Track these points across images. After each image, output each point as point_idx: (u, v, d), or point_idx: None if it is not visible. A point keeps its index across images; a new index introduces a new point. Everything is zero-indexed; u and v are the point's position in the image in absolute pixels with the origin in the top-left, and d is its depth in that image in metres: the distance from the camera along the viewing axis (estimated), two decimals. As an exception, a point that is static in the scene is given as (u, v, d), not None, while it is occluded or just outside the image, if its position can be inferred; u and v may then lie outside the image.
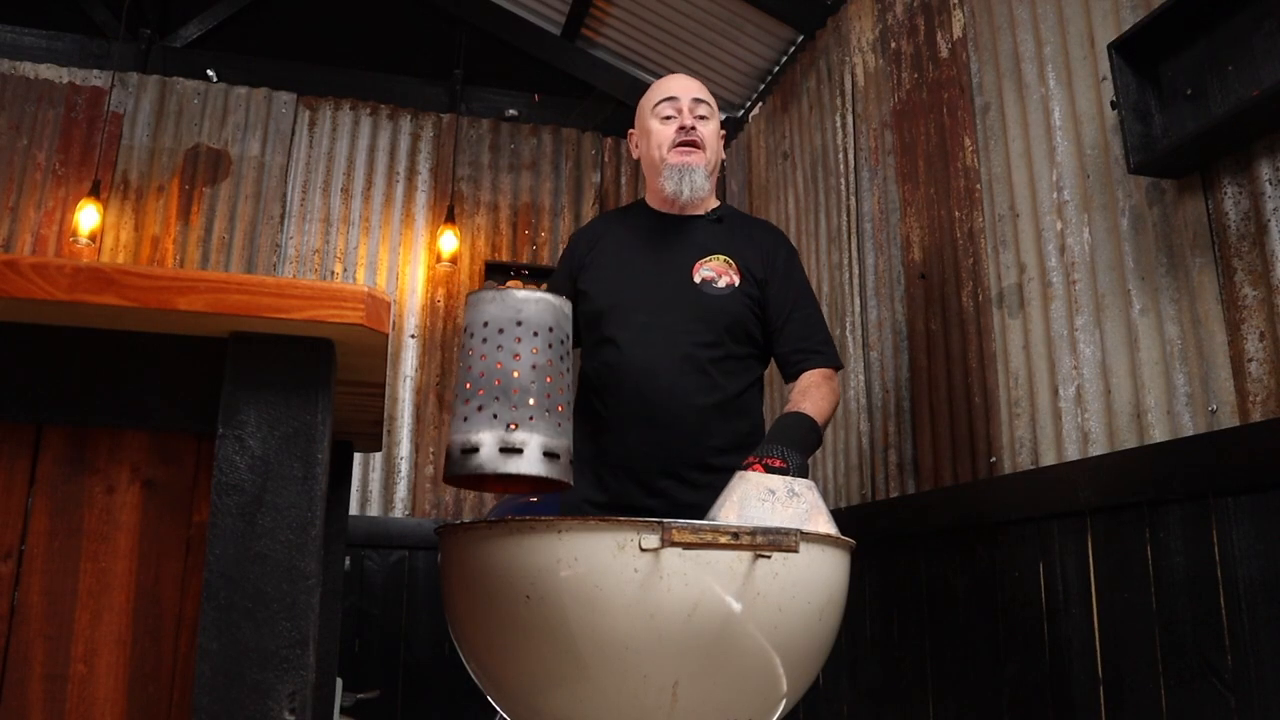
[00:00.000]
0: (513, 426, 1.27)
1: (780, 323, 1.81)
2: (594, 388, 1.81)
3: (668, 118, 1.84)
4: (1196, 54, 1.66)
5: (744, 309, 1.79)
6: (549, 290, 1.96)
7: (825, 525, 1.39)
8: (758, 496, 1.41)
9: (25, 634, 0.80)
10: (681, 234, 1.85)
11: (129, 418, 0.83)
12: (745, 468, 1.50)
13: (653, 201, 1.92)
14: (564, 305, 1.39)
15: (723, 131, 1.92)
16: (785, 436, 1.58)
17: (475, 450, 1.26)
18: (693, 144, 1.82)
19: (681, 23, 3.62)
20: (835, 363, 1.81)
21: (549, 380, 1.32)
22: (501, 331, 1.31)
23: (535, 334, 1.33)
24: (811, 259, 3.13)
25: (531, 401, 1.29)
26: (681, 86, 1.87)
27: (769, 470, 1.48)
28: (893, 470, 2.52)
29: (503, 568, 1.22)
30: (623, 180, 4.09)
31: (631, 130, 1.95)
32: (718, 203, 1.93)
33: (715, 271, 1.80)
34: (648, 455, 1.74)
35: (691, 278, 1.80)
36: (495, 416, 1.27)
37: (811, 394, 1.72)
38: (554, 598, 1.19)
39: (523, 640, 1.23)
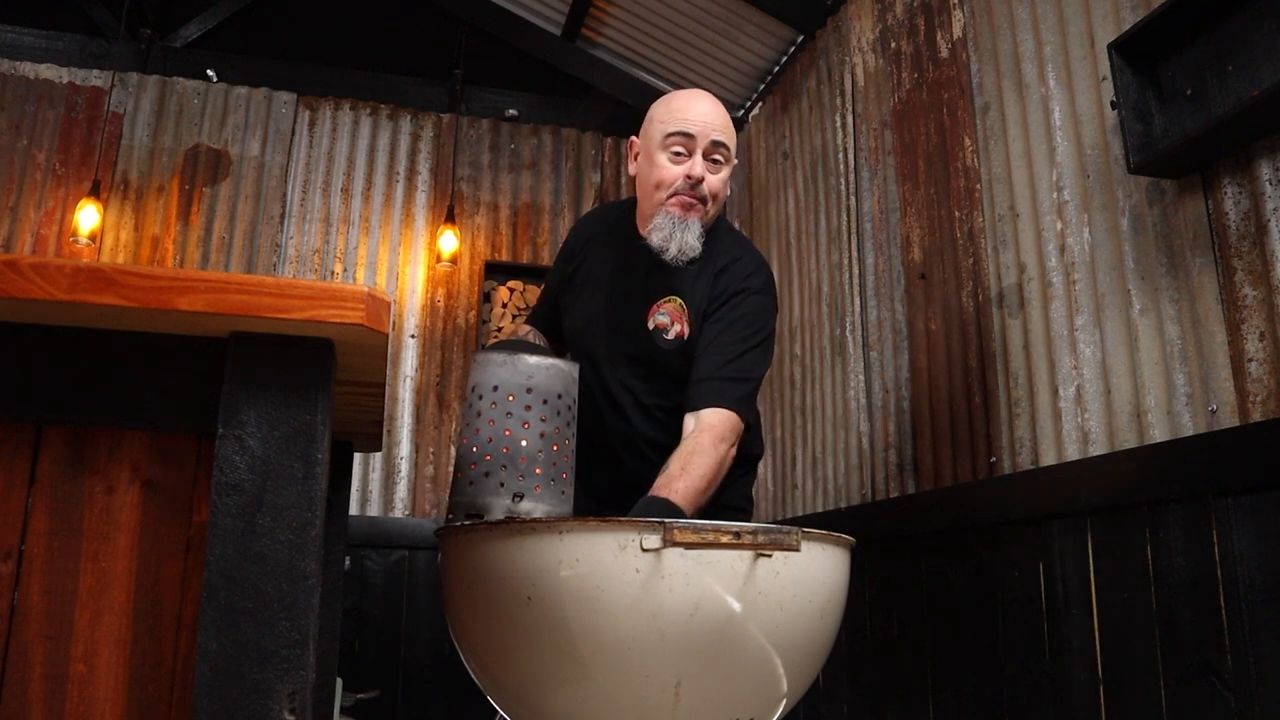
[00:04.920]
0: (518, 497, 1.30)
1: (697, 354, 1.63)
2: None
3: (678, 154, 1.63)
4: (1196, 54, 1.66)
5: (688, 363, 1.64)
6: (545, 287, 1.97)
7: None
8: None
9: (25, 634, 0.80)
10: (651, 268, 1.68)
11: (129, 418, 0.83)
12: None
13: (639, 222, 1.75)
14: (573, 370, 1.42)
15: (734, 161, 1.72)
16: None
17: (480, 518, 1.30)
18: (699, 199, 1.63)
19: (681, 23, 3.62)
20: (731, 402, 1.56)
21: (555, 449, 1.35)
22: (512, 398, 1.35)
23: (545, 402, 1.36)
24: (811, 259, 3.13)
25: (538, 471, 1.33)
26: (702, 121, 1.63)
27: None
28: (893, 470, 2.52)
29: (503, 569, 1.22)
30: (623, 180, 4.09)
31: (635, 139, 1.75)
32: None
33: (670, 317, 1.66)
34: (613, 498, 1.68)
35: (646, 323, 1.67)
36: (502, 485, 1.32)
37: (692, 464, 1.47)
38: (555, 598, 1.18)
39: (524, 641, 1.23)
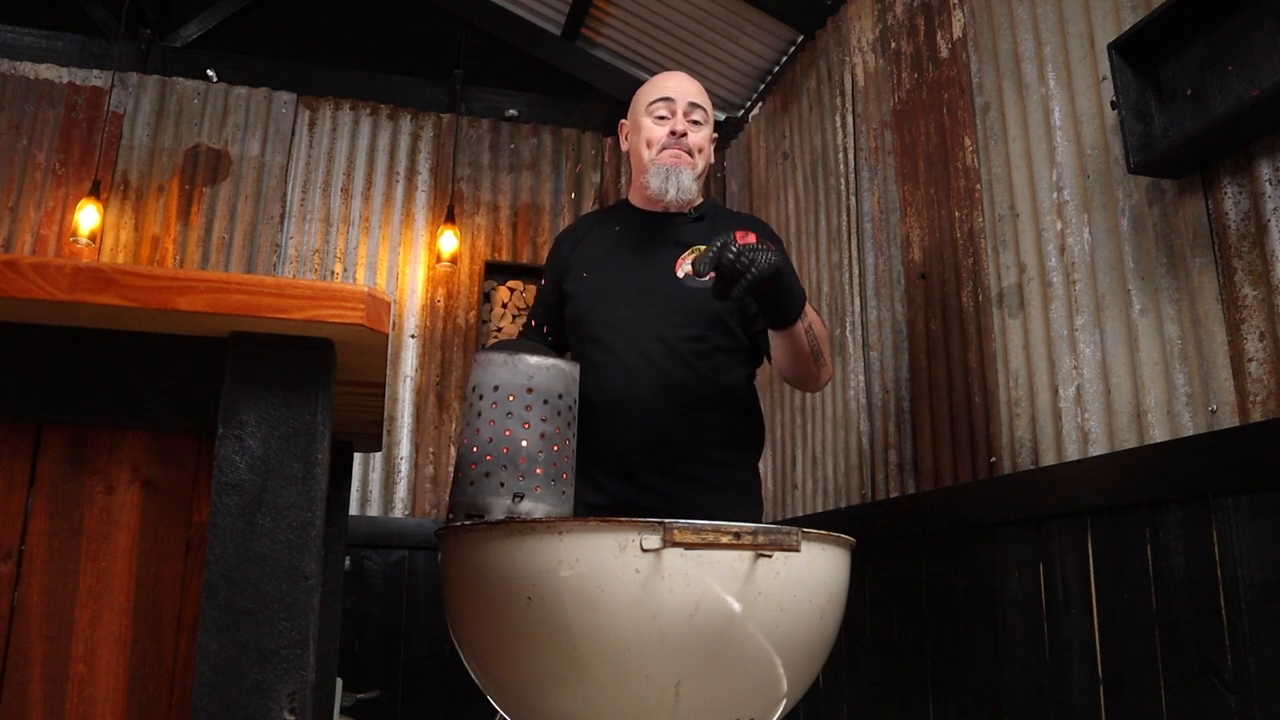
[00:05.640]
0: (519, 497, 1.31)
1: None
2: (582, 388, 1.78)
3: (661, 118, 1.82)
4: (1196, 54, 1.66)
5: (728, 301, 1.76)
6: (536, 299, 1.99)
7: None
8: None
9: (25, 634, 0.80)
10: (664, 231, 1.83)
11: (129, 418, 0.83)
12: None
13: (636, 199, 1.89)
14: (573, 370, 1.42)
15: (715, 135, 1.90)
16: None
17: (480, 518, 1.31)
18: (685, 150, 1.80)
19: (681, 23, 3.62)
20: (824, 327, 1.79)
21: (555, 449, 1.36)
22: (512, 398, 1.35)
23: (545, 402, 1.36)
24: (811, 259, 3.13)
25: (539, 471, 1.33)
26: (679, 87, 1.84)
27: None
28: (893, 470, 2.52)
29: (503, 569, 1.22)
30: (622, 180, 4.09)
31: (624, 121, 1.93)
32: (701, 199, 1.90)
33: None
34: (641, 452, 1.71)
35: (674, 272, 1.78)
36: (502, 485, 1.32)
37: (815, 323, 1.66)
38: (555, 599, 1.18)
39: (524, 641, 1.23)
